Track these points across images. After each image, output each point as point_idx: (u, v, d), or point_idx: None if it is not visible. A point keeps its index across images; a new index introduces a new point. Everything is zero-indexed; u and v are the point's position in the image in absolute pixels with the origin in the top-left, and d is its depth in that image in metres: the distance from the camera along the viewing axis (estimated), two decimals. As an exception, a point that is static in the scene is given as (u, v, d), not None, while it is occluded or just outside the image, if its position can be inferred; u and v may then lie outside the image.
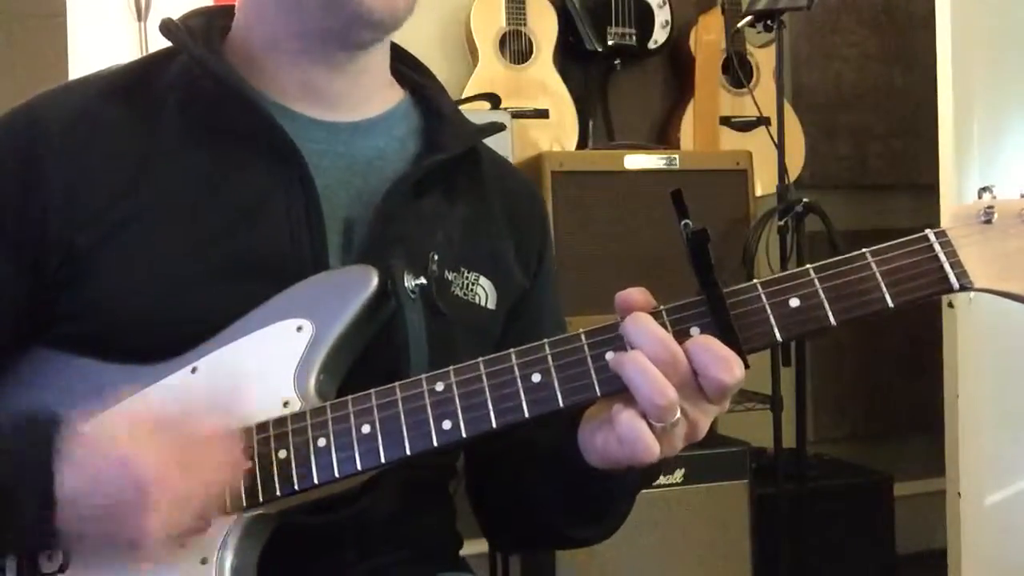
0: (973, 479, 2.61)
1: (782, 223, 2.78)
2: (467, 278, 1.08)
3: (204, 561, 0.88)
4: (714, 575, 2.64)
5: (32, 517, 0.83)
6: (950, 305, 2.60)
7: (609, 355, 0.85)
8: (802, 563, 2.76)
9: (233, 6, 1.12)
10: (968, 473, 2.60)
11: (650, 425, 0.83)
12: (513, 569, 2.73)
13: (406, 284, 0.98)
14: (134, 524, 0.82)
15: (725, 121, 3.24)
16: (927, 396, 2.98)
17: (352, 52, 1.08)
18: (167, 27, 1.06)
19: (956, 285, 0.84)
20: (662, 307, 0.86)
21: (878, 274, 0.84)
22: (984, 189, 0.88)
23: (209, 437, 0.87)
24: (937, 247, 0.85)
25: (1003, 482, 2.66)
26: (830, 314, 0.84)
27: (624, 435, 0.83)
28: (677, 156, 2.75)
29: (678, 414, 0.83)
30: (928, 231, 0.85)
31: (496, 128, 1.16)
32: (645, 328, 0.83)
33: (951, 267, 0.84)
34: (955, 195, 2.55)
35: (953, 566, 2.64)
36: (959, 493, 2.61)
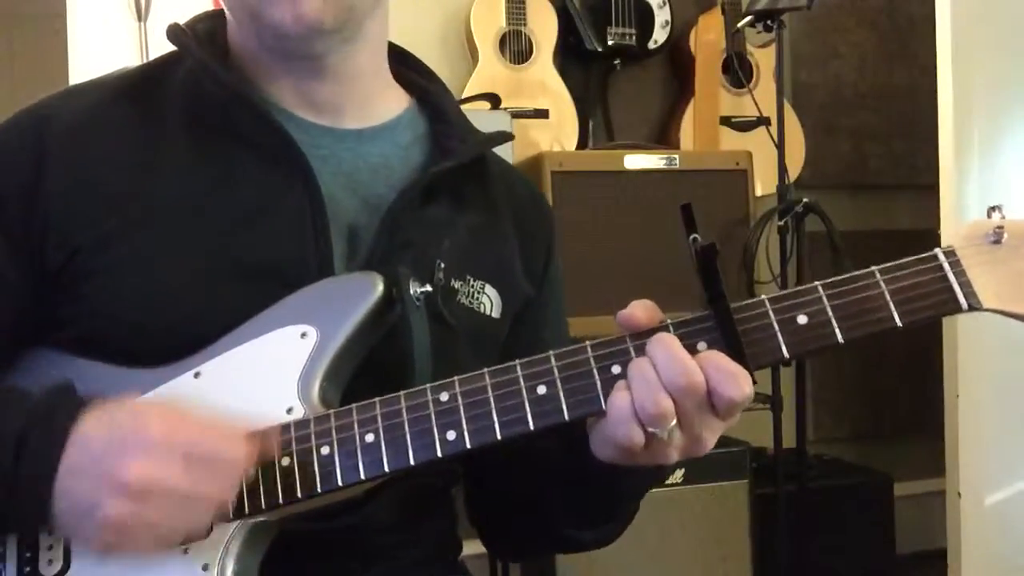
0: (973, 479, 2.61)
1: (782, 223, 2.78)
2: (473, 286, 1.08)
3: (206, 567, 0.88)
4: (714, 575, 2.64)
5: (40, 452, 0.84)
6: (950, 305, 2.59)
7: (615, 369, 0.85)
8: (802, 563, 2.76)
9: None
10: (968, 473, 2.60)
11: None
12: (513, 570, 2.72)
13: (411, 291, 0.97)
14: (122, 460, 0.82)
15: (725, 121, 3.24)
16: (927, 396, 2.98)
17: (314, 60, 1.05)
18: (173, 32, 1.07)
19: (965, 305, 0.84)
20: (669, 321, 0.86)
21: (887, 293, 0.84)
22: (993, 208, 0.87)
23: (217, 439, 0.86)
24: (947, 267, 0.84)
25: (1003, 482, 2.66)
26: (838, 332, 0.84)
27: (613, 416, 0.84)
28: (677, 156, 2.75)
29: (672, 423, 0.83)
30: (938, 250, 0.85)
31: (505, 137, 1.15)
32: (671, 354, 0.83)
33: (960, 287, 0.84)
34: (955, 195, 2.55)
35: (953, 566, 2.64)
36: (959, 493, 2.61)
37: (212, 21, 1.12)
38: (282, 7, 0.97)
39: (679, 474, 2.58)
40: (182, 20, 1.11)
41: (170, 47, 1.08)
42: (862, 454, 3.41)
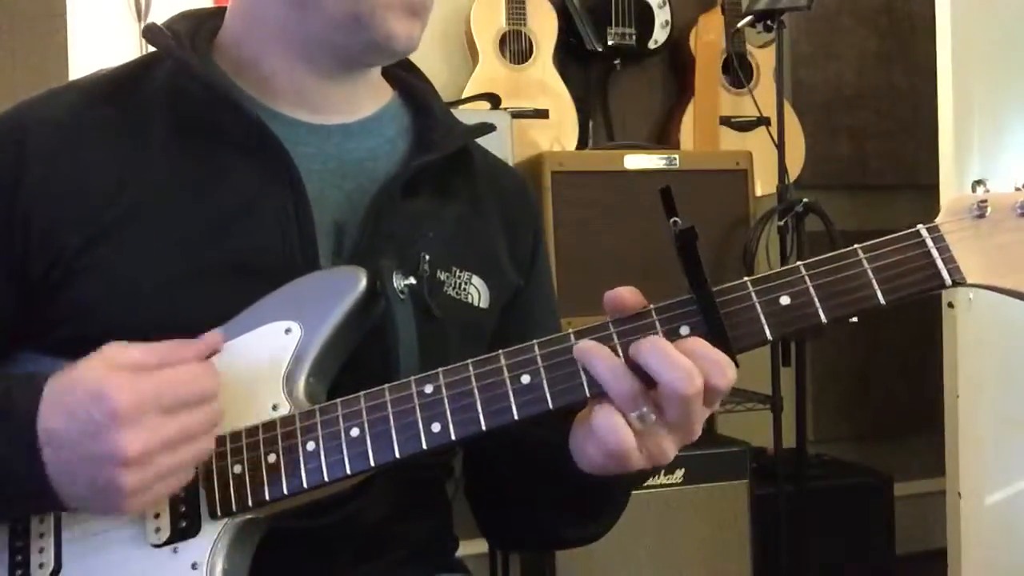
0: (973, 479, 2.61)
1: (782, 223, 2.77)
2: (459, 278, 1.08)
3: (194, 566, 0.88)
4: (714, 575, 2.64)
5: (21, 467, 0.83)
6: (950, 305, 2.60)
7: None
8: (802, 563, 2.76)
9: (223, 8, 1.11)
10: (968, 473, 2.60)
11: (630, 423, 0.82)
12: (513, 569, 2.73)
13: (395, 284, 0.97)
14: (108, 442, 0.80)
15: (725, 121, 3.24)
16: (927, 396, 2.98)
17: (354, 70, 1.08)
18: (151, 31, 1.06)
19: (949, 280, 0.82)
20: (652, 306, 0.85)
21: (869, 271, 0.83)
22: (978, 183, 0.85)
23: (187, 375, 0.86)
24: (929, 242, 0.83)
25: (1003, 482, 2.66)
26: (821, 312, 0.83)
27: (598, 426, 0.83)
28: (677, 156, 2.75)
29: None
30: (920, 226, 0.84)
31: (486, 129, 1.15)
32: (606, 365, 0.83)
33: (943, 262, 0.82)
34: (955, 195, 2.54)
35: (953, 566, 2.64)
36: (959, 493, 2.61)
37: (192, 20, 1.11)
38: (402, 24, 1.02)
39: (679, 474, 2.58)
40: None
41: None
42: (862, 454, 3.41)
